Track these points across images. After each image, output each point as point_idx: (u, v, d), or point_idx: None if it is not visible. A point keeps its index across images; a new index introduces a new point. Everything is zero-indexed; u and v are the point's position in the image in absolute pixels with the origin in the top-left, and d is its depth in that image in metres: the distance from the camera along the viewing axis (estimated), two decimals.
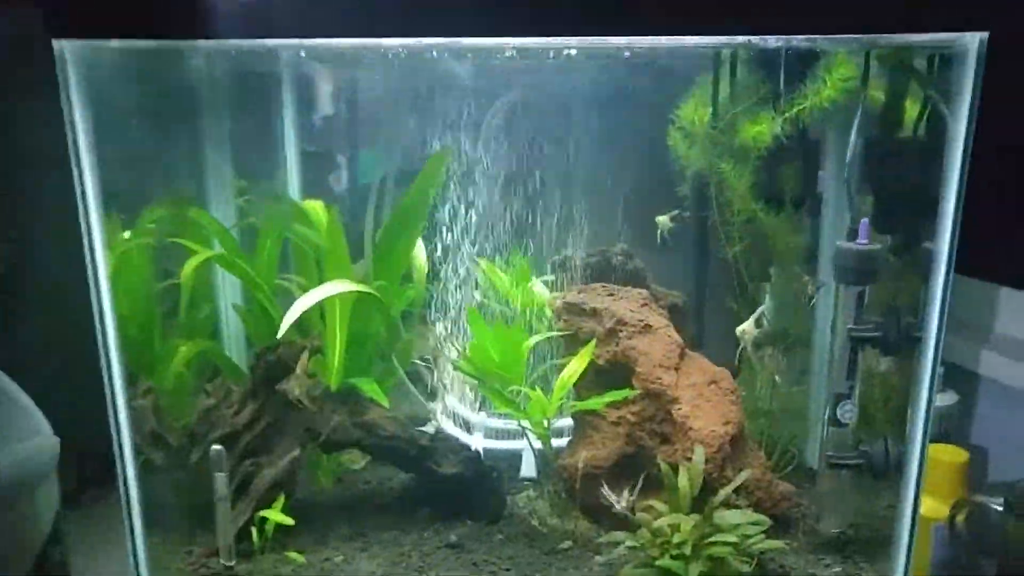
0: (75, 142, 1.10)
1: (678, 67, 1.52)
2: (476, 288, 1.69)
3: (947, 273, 1.13)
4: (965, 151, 1.08)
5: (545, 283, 1.68)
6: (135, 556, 1.26)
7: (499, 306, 1.66)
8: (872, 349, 1.34)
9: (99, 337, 1.18)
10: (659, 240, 1.63)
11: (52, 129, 1.18)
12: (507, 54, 1.35)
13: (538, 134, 1.60)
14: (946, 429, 1.53)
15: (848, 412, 1.35)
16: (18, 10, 1.04)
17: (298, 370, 1.40)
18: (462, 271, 1.68)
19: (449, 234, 1.66)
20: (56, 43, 1.03)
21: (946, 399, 1.56)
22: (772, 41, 1.08)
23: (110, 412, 1.21)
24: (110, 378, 1.20)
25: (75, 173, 1.12)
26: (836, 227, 1.49)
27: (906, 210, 1.39)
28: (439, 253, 1.68)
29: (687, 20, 1.08)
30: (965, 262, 1.15)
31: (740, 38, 1.06)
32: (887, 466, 1.34)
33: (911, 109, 1.41)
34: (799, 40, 1.11)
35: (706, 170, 1.51)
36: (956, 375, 1.59)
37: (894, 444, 1.34)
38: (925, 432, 1.22)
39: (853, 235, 1.33)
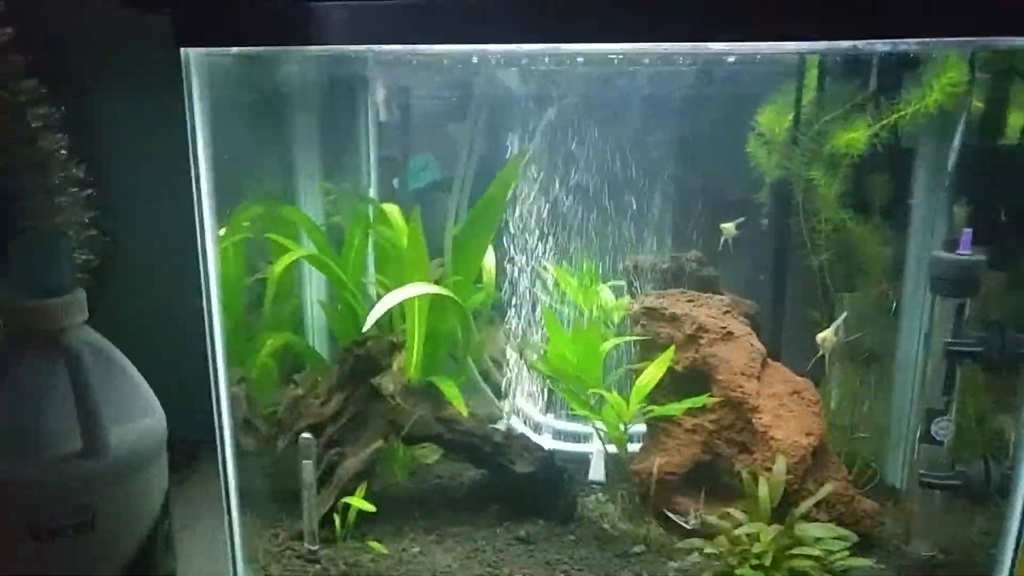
0: (194, 143, 1.16)
1: (757, 73, 1.50)
2: (545, 291, 1.70)
3: None
4: None
5: (612, 288, 1.68)
6: (231, 537, 1.32)
7: (567, 309, 1.67)
8: (972, 364, 1.29)
9: (206, 326, 1.24)
10: (720, 247, 1.61)
11: (155, 128, 1.25)
12: (611, 58, 1.34)
13: (611, 139, 1.60)
14: None
15: (944, 429, 1.30)
16: (148, 20, 1.11)
17: (394, 367, 1.44)
18: (532, 273, 1.70)
19: (520, 236, 1.68)
20: (183, 51, 1.10)
21: None
22: (880, 46, 1.05)
23: (213, 397, 1.27)
24: (214, 365, 1.26)
25: (192, 173, 1.18)
26: (926, 237, 1.44)
27: (1011, 221, 1.33)
28: (511, 255, 1.70)
29: (788, 24, 1.06)
30: None
31: (846, 43, 1.03)
32: (987, 489, 1.28)
33: (1019, 116, 1.35)
34: (909, 44, 1.07)
35: (790, 177, 1.48)
36: None
37: (995, 465, 1.28)
38: None
39: (951, 245, 1.28)
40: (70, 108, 1.64)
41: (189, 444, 1.76)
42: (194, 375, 1.29)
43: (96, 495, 1.14)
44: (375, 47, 1.18)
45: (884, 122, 1.29)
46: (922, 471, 1.32)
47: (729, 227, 1.59)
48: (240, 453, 1.45)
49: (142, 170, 1.72)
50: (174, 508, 1.67)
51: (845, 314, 1.42)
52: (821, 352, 1.40)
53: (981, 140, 1.37)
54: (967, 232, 1.25)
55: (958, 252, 1.26)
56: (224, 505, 1.31)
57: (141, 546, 1.19)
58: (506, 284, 1.71)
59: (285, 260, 1.51)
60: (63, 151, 1.67)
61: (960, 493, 1.31)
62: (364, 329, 1.39)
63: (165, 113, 1.19)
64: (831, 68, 1.41)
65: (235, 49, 1.15)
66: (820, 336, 1.41)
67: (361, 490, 1.42)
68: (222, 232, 1.60)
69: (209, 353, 1.26)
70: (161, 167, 1.33)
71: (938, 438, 1.30)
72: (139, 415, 1.23)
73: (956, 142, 1.26)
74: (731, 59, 1.20)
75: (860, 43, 1.02)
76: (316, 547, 1.39)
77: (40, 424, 1.10)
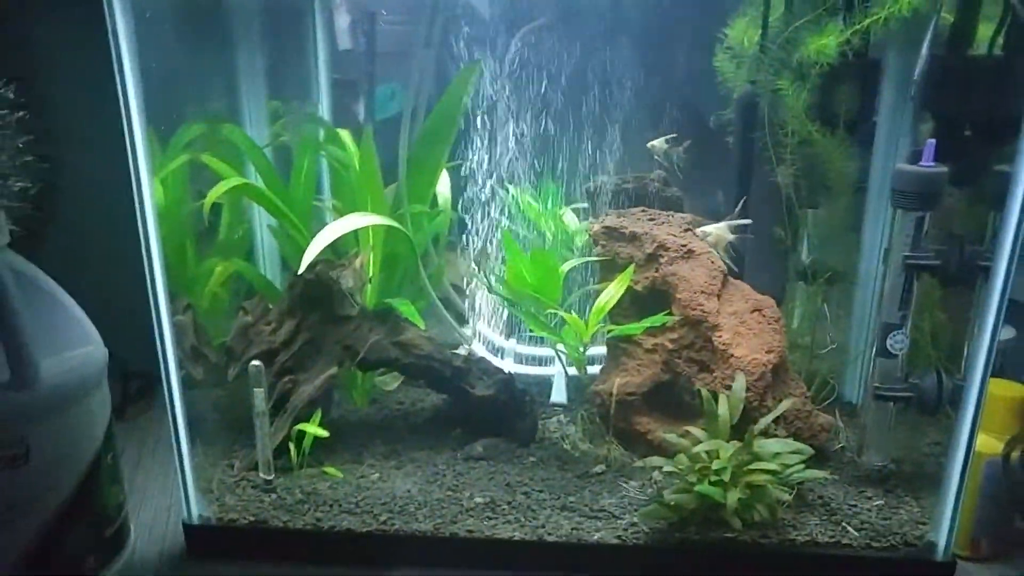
0: (119, 54, 1.06)
1: None
2: (507, 214, 1.65)
3: None
4: None
5: (575, 211, 1.64)
6: (182, 468, 1.29)
7: (529, 233, 1.63)
8: (930, 278, 1.28)
9: (144, 253, 1.17)
10: (658, 165, 1.54)
11: (86, 45, 1.15)
12: None
13: (572, 57, 1.52)
14: (1001, 363, 1.47)
15: (899, 342, 1.30)
16: None
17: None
18: (494, 196, 1.64)
19: (480, 159, 1.61)
20: None
21: (1003, 333, 1.50)
22: None
23: (155, 326, 1.22)
24: (155, 293, 1.19)
25: (119, 86, 1.08)
26: (891, 150, 1.41)
27: (975, 133, 1.30)
28: (472, 179, 1.63)
29: None
30: None
31: None
32: (939, 400, 1.29)
33: (987, 26, 1.30)
34: None
35: (757, 89, 1.43)
36: (1013, 309, 1.52)
37: (947, 377, 1.29)
38: (987, 366, 1.17)
39: (915, 157, 1.25)
40: None
41: (145, 376, 1.72)
42: (146, 305, 1.23)
43: (29, 426, 1.09)
44: None
45: (858, 27, 1.23)
46: (876, 384, 1.33)
47: (659, 144, 1.51)
48: (191, 383, 1.41)
49: (76, 90, 1.60)
50: (128, 441, 1.64)
51: (737, 209, 1.39)
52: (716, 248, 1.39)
53: (950, 49, 1.32)
54: (930, 143, 1.22)
55: (920, 164, 1.23)
56: (172, 436, 1.28)
57: (83, 477, 1.16)
58: (466, 208, 1.65)
59: (217, 191, 1.42)
60: None
61: (913, 404, 1.32)
62: (301, 269, 1.32)
63: (91, 25, 1.08)
64: None
65: None
66: (701, 230, 1.38)
67: (315, 417, 1.39)
68: (162, 155, 1.52)
69: (149, 281, 1.20)
70: (94, 86, 1.23)
71: (893, 351, 1.31)
72: (73, 344, 1.17)
73: (924, 49, 1.21)
74: None
75: None
76: (271, 476, 1.37)
77: None
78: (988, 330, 1.17)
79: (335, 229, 1.36)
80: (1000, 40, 1.31)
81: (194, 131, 1.54)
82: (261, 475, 1.37)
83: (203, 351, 1.46)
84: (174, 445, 1.29)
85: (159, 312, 1.22)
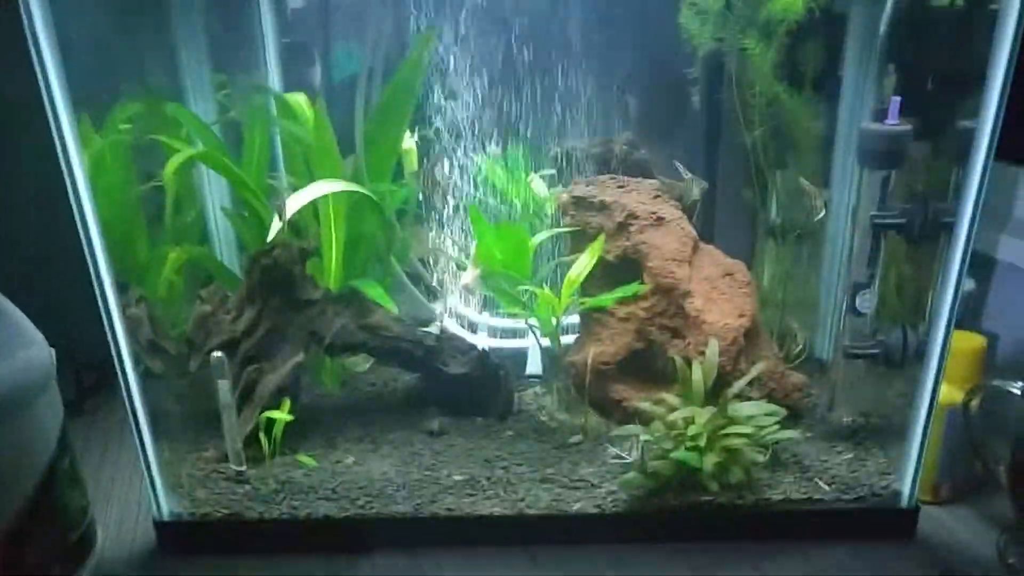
0: (32, 30, 0.97)
1: None
2: (473, 184, 1.59)
3: (987, 154, 1.06)
4: (1020, 20, 0.97)
5: (543, 178, 1.60)
6: (147, 465, 1.24)
7: (498, 203, 1.58)
8: (895, 236, 1.29)
9: (84, 245, 1.10)
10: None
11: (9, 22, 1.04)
12: None
13: (531, 17, 1.46)
14: (961, 315, 1.51)
15: (867, 301, 1.32)
16: None
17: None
18: (457, 167, 1.58)
19: (442, 128, 1.55)
20: None
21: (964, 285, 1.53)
22: None
23: (105, 321, 1.15)
24: (101, 286, 1.12)
25: (36, 64, 0.99)
26: (857, 107, 1.40)
27: (938, 89, 1.30)
28: (433, 149, 1.57)
29: None
30: None
31: None
32: (905, 354, 1.32)
33: None
34: None
35: (723, 47, 1.39)
36: (973, 260, 1.55)
37: (912, 332, 1.31)
38: (950, 320, 1.19)
39: (880, 116, 1.24)
40: None
41: (100, 368, 1.64)
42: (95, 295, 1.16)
43: None
44: None
45: None
46: (847, 342, 1.35)
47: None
48: (150, 376, 1.35)
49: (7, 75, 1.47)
50: (91, 437, 1.58)
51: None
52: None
53: (912, 4, 1.30)
54: (895, 100, 1.21)
55: (886, 122, 1.22)
56: (134, 432, 1.22)
57: (40, 484, 1.10)
58: (429, 179, 1.59)
59: (174, 162, 1.33)
60: None
61: (880, 360, 1.35)
62: (270, 236, 1.26)
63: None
64: None
65: None
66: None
67: (284, 405, 1.35)
68: (98, 136, 1.41)
69: (93, 272, 1.13)
70: (14, 67, 1.12)
71: (862, 310, 1.33)
72: (13, 348, 1.11)
73: (888, 5, 1.19)
74: None
75: None
76: (243, 467, 1.33)
77: None
78: (951, 287, 1.19)
79: (306, 194, 1.30)
80: None
81: (130, 109, 1.44)
82: (232, 467, 1.33)
83: (161, 343, 1.39)
84: (136, 442, 1.24)
85: (107, 303, 1.15)
